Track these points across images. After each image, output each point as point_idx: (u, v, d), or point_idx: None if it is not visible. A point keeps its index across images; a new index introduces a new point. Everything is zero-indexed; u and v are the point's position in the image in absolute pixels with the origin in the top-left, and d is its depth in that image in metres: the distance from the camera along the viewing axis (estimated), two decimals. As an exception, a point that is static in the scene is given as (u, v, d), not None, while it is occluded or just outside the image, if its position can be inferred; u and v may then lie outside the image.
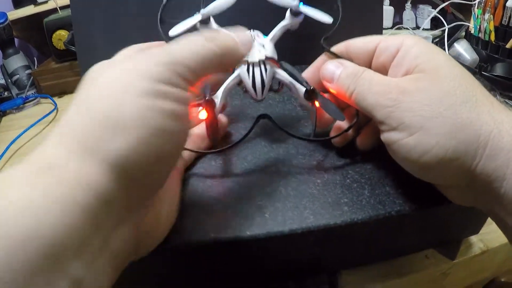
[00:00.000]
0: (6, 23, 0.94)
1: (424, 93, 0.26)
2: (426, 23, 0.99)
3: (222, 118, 0.37)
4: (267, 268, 0.33)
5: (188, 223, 0.28)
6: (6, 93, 0.99)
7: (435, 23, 1.02)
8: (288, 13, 0.34)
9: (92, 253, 0.19)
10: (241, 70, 0.33)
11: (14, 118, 0.89)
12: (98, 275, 0.19)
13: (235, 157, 0.35)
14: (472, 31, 0.80)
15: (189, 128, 0.25)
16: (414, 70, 0.28)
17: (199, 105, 0.31)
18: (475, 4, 0.78)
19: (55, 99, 0.91)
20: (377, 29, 0.67)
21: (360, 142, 0.34)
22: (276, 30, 0.34)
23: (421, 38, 0.30)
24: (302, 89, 0.33)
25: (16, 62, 0.99)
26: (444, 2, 0.98)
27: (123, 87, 0.22)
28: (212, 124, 0.33)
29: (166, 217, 0.27)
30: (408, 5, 1.08)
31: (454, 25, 0.90)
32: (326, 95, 0.33)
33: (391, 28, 1.06)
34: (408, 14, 1.09)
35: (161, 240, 0.26)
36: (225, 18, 0.34)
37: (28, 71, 0.99)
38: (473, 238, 0.42)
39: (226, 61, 0.28)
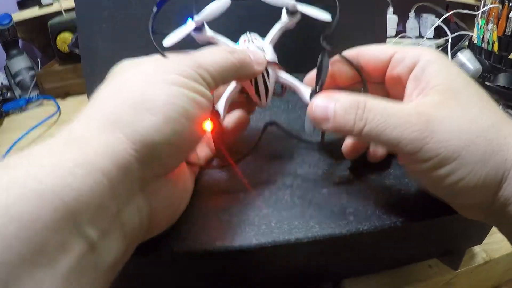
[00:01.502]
0: (10, 24, 0.94)
1: (453, 121, 0.25)
2: (430, 32, 0.99)
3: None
4: (271, 276, 0.33)
5: (194, 231, 0.28)
6: (9, 94, 0.99)
7: (438, 32, 1.02)
8: (284, 13, 0.33)
9: (107, 221, 0.20)
10: None
11: (16, 119, 0.90)
12: (110, 246, 0.21)
13: (240, 165, 0.35)
14: (476, 41, 0.80)
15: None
16: (433, 90, 0.27)
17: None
18: (478, 14, 0.79)
19: (58, 101, 0.91)
20: (381, 38, 0.67)
21: (372, 155, 0.34)
22: (274, 32, 0.33)
23: (440, 54, 0.29)
24: (307, 91, 0.31)
25: (20, 63, 0.99)
26: (447, 12, 0.99)
27: (153, 77, 0.25)
28: (219, 134, 0.31)
29: (179, 201, 0.29)
30: (411, 14, 1.08)
31: (458, 35, 0.90)
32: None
33: (395, 36, 1.06)
34: (411, 23, 1.09)
35: (172, 222, 0.28)
36: (219, 23, 0.32)
37: (31, 73, 0.99)
38: (476, 248, 0.42)
39: (241, 75, 0.30)
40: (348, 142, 0.34)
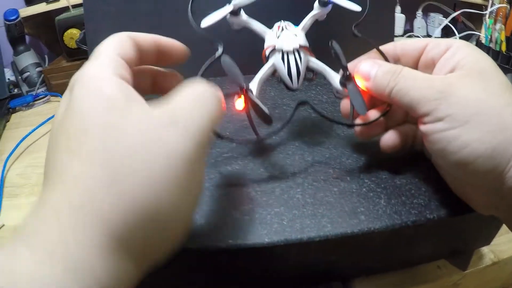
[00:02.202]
0: (17, 20, 0.94)
1: (471, 89, 0.27)
2: (437, 32, 0.99)
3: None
4: (282, 274, 0.33)
5: (206, 230, 0.28)
6: (16, 90, 0.99)
7: (446, 32, 1.02)
8: (316, 4, 0.35)
9: None
10: (276, 59, 0.33)
11: (23, 116, 0.90)
12: None
13: (251, 163, 0.35)
14: (483, 41, 0.80)
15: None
16: (462, 68, 0.29)
17: (236, 94, 0.31)
18: (486, 14, 0.79)
19: (65, 97, 0.91)
20: (389, 37, 0.67)
21: (385, 140, 0.33)
22: (306, 20, 0.35)
23: (470, 43, 0.31)
24: (336, 76, 0.33)
25: (27, 59, 0.99)
26: (455, 11, 0.98)
27: (166, 154, 0.20)
28: (255, 111, 0.31)
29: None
30: (419, 13, 1.08)
31: (465, 34, 0.90)
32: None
33: (402, 35, 1.06)
34: (419, 22, 1.09)
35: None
36: (255, 10, 0.35)
37: (38, 69, 0.99)
38: (484, 249, 0.42)
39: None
40: (388, 136, 0.33)
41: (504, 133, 0.25)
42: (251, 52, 0.34)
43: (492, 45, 0.77)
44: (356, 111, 0.32)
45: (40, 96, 0.94)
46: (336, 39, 0.33)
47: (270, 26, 0.35)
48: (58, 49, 1.02)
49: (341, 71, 0.33)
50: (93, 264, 0.17)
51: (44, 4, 0.97)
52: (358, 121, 0.33)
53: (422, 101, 0.28)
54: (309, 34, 0.35)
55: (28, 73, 0.98)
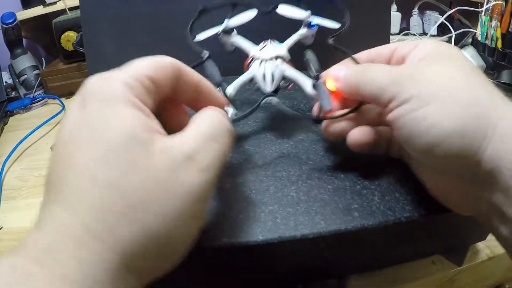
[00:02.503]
0: (14, 23, 0.95)
1: (438, 69, 0.27)
2: (433, 30, 0.99)
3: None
4: (276, 272, 0.33)
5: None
6: (13, 93, 0.99)
7: (442, 30, 1.02)
8: (303, 27, 0.38)
9: None
10: (254, 67, 0.35)
11: (21, 118, 0.90)
12: None
13: (245, 162, 0.35)
14: (479, 38, 0.80)
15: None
16: (428, 56, 0.29)
17: None
18: (482, 11, 0.79)
19: (63, 100, 0.92)
20: (385, 35, 0.67)
21: (352, 135, 0.32)
22: (290, 38, 0.37)
23: (440, 41, 0.31)
24: (309, 82, 0.34)
25: (24, 62, 0.99)
26: (451, 9, 0.99)
27: (181, 194, 0.21)
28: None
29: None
30: (415, 11, 1.08)
31: (461, 32, 0.91)
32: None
33: (398, 34, 1.06)
34: (415, 20, 1.09)
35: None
36: (246, 30, 0.38)
37: (36, 72, 0.99)
38: (480, 245, 0.42)
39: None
40: (354, 131, 0.32)
41: (475, 108, 0.24)
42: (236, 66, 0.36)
43: (488, 42, 0.77)
44: (322, 108, 0.32)
45: (38, 99, 0.95)
46: (317, 50, 0.36)
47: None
48: (55, 52, 1.02)
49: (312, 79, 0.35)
50: (105, 284, 0.18)
51: (41, 7, 0.97)
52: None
53: (386, 87, 0.27)
54: (293, 48, 0.38)
55: (25, 76, 0.98)
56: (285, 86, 0.36)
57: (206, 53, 0.34)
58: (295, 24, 0.39)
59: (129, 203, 0.19)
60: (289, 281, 0.35)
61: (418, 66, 0.28)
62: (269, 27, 0.42)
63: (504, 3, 0.73)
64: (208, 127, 0.24)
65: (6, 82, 1.01)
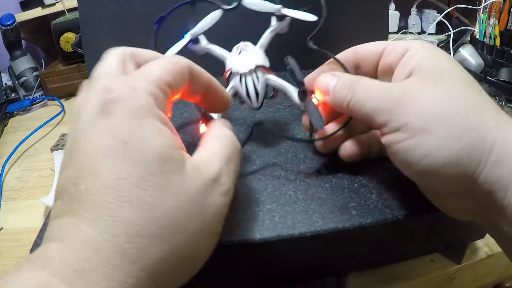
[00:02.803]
0: (13, 25, 0.95)
1: (428, 95, 0.25)
2: (432, 28, 0.99)
3: None
4: (275, 270, 0.33)
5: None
6: (13, 95, 1.00)
7: (441, 28, 1.02)
8: (273, 18, 0.35)
9: None
10: (235, 82, 0.34)
11: (21, 120, 0.90)
12: None
13: (244, 161, 0.35)
14: (477, 36, 0.80)
15: None
16: (418, 71, 0.27)
17: (198, 120, 0.31)
18: (480, 9, 0.79)
19: (62, 101, 0.92)
20: (383, 34, 0.67)
21: (343, 149, 0.33)
22: (264, 37, 0.35)
23: (429, 43, 0.30)
24: (295, 91, 0.33)
25: (24, 63, 1.00)
26: (449, 7, 0.98)
27: (209, 217, 0.22)
28: None
29: None
30: (413, 10, 1.08)
31: (460, 30, 0.90)
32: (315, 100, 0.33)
33: (397, 32, 1.06)
34: (413, 18, 1.09)
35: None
36: (216, 34, 0.36)
37: (35, 73, 0.99)
38: (479, 243, 0.42)
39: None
40: (346, 145, 0.33)
41: (468, 136, 0.24)
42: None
43: (486, 40, 0.77)
44: (315, 127, 0.32)
45: (37, 100, 0.95)
46: (298, 50, 0.34)
47: (234, 45, 0.36)
48: (54, 53, 1.03)
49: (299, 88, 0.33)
50: None
51: (40, 8, 0.98)
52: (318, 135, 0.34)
53: (377, 112, 0.27)
54: (270, 49, 0.36)
55: (24, 78, 0.98)
56: (270, 96, 0.35)
57: None
58: (265, 18, 0.36)
59: (162, 224, 0.20)
60: (287, 279, 0.35)
61: (408, 89, 0.26)
62: (237, 26, 0.41)
63: (502, 1, 0.73)
64: (225, 148, 0.25)
65: (5, 83, 1.01)
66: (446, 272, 0.40)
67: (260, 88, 0.33)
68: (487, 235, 0.38)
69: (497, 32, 0.74)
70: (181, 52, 0.33)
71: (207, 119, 0.30)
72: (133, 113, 0.21)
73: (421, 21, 1.10)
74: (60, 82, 0.94)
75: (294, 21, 0.36)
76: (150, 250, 0.19)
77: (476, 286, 0.46)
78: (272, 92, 0.35)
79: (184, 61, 0.25)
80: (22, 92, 0.98)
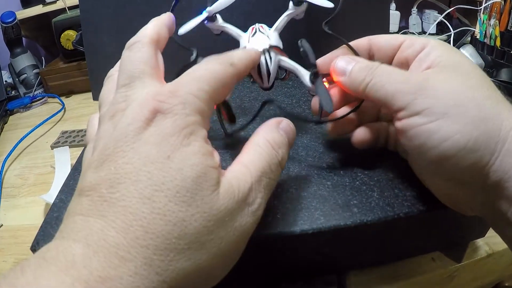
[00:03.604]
0: (14, 22, 0.95)
1: (448, 84, 0.26)
2: (432, 28, 0.99)
3: None
4: (276, 267, 0.33)
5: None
6: (13, 92, 1.00)
7: (441, 28, 1.02)
8: (290, 3, 0.35)
9: None
10: None
11: (21, 117, 0.90)
12: None
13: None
14: (478, 37, 0.80)
15: None
16: (437, 66, 0.28)
17: None
18: (481, 9, 0.79)
19: (63, 98, 0.92)
20: (383, 34, 0.67)
21: (356, 135, 0.33)
22: (280, 20, 0.35)
23: (445, 42, 0.31)
24: (307, 74, 0.33)
25: (24, 61, 1.00)
26: (450, 7, 0.99)
27: (237, 237, 0.22)
28: (224, 109, 0.34)
29: None
30: (414, 10, 1.08)
31: (460, 30, 0.91)
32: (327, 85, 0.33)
33: (397, 32, 1.06)
34: (414, 18, 1.09)
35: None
36: (232, 17, 0.36)
37: (35, 71, 0.99)
38: (479, 241, 0.42)
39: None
40: (359, 130, 0.33)
41: (485, 124, 0.25)
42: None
43: (486, 41, 0.77)
44: (324, 109, 0.32)
45: (38, 98, 0.95)
46: (311, 37, 0.33)
47: (246, 29, 0.35)
48: (55, 51, 1.03)
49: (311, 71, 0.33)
50: None
51: (40, 6, 0.98)
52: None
53: (397, 95, 0.27)
54: (284, 34, 0.35)
55: (25, 75, 0.98)
56: (281, 77, 0.35)
57: (194, 52, 0.33)
58: (282, 2, 0.36)
59: (189, 240, 0.20)
60: (288, 276, 0.35)
61: (429, 77, 0.27)
62: (254, 8, 0.41)
63: (502, 2, 0.73)
64: (261, 161, 0.25)
65: (6, 81, 1.01)
66: (446, 270, 0.40)
67: (272, 68, 0.33)
68: (488, 234, 0.38)
69: (497, 33, 0.74)
70: (196, 28, 0.34)
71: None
72: (181, 129, 0.21)
73: (422, 21, 1.10)
74: (60, 79, 0.94)
75: (307, 9, 0.36)
76: (176, 265, 0.19)
77: (475, 286, 0.46)
78: (283, 74, 0.35)
79: (224, 69, 0.25)
80: (22, 90, 0.98)
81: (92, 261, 0.18)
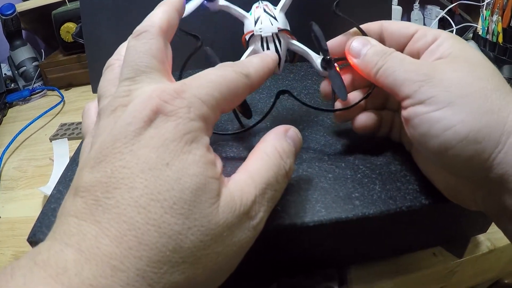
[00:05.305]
0: (14, 14, 0.94)
1: (456, 73, 0.26)
2: (434, 24, 0.99)
3: None
4: (277, 261, 0.33)
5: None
6: (13, 85, 0.99)
7: (443, 24, 1.01)
8: None
9: None
10: (256, 46, 0.33)
11: (20, 110, 0.90)
12: None
13: (247, 150, 0.35)
14: (480, 33, 0.80)
15: None
16: (447, 57, 0.28)
17: None
18: (483, 5, 0.78)
19: (62, 91, 0.91)
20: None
21: (358, 120, 0.33)
22: None
23: (459, 37, 0.30)
24: (318, 58, 0.33)
25: (24, 53, 0.99)
26: (452, 3, 0.98)
27: (235, 252, 0.22)
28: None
29: None
30: (416, 6, 1.08)
31: (462, 26, 0.90)
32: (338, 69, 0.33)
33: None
34: (416, 14, 1.08)
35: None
36: None
37: (35, 63, 0.99)
38: (481, 237, 0.42)
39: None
40: (362, 116, 0.33)
41: (490, 116, 0.24)
42: (232, 47, 0.33)
43: (489, 37, 0.77)
44: (337, 96, 0.32)
45: (37, 90, 0.94)
46: (319, 19, 0.33)
47: (248, 8, 0.34)
48: (54, 43, 1.02)
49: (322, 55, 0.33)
50: None
51: (40, -2, 0.97)
52: (338, 104, 0.33)
53: (405, 83, 0.27)
54: (290, 14, 0.34)
55: (24, 68, 0.98)
56: (290, 60, 0.35)
57: (199, 42, 0.32)
58: None
59: (184, 254, 0.19)
60: (289, 270, 0.35)
61: (437, 66, 0.27)
62: None
63: (505, -2, 0.73)
64: (266, 171, 0.24)
65: (5, 73, 1.01)
66: (448, 266, 0.39)
67: (282, 53, 0.33)
68: (489, 230, 0.38)
69: (500, 29, 0.73)
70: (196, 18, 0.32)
71: None
72: (183, 135, 0.21)
73: (424, 17, 1.10)
74: (60, 72, 0.94)
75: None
76: (169, 278, 0.19)
77: (476, 281, 0.46)
78: (292, 56, 0.35)
79: (234, 75, 0.24)
80: (21, 82, 0.98)
81: (84, 269, 0.17)
